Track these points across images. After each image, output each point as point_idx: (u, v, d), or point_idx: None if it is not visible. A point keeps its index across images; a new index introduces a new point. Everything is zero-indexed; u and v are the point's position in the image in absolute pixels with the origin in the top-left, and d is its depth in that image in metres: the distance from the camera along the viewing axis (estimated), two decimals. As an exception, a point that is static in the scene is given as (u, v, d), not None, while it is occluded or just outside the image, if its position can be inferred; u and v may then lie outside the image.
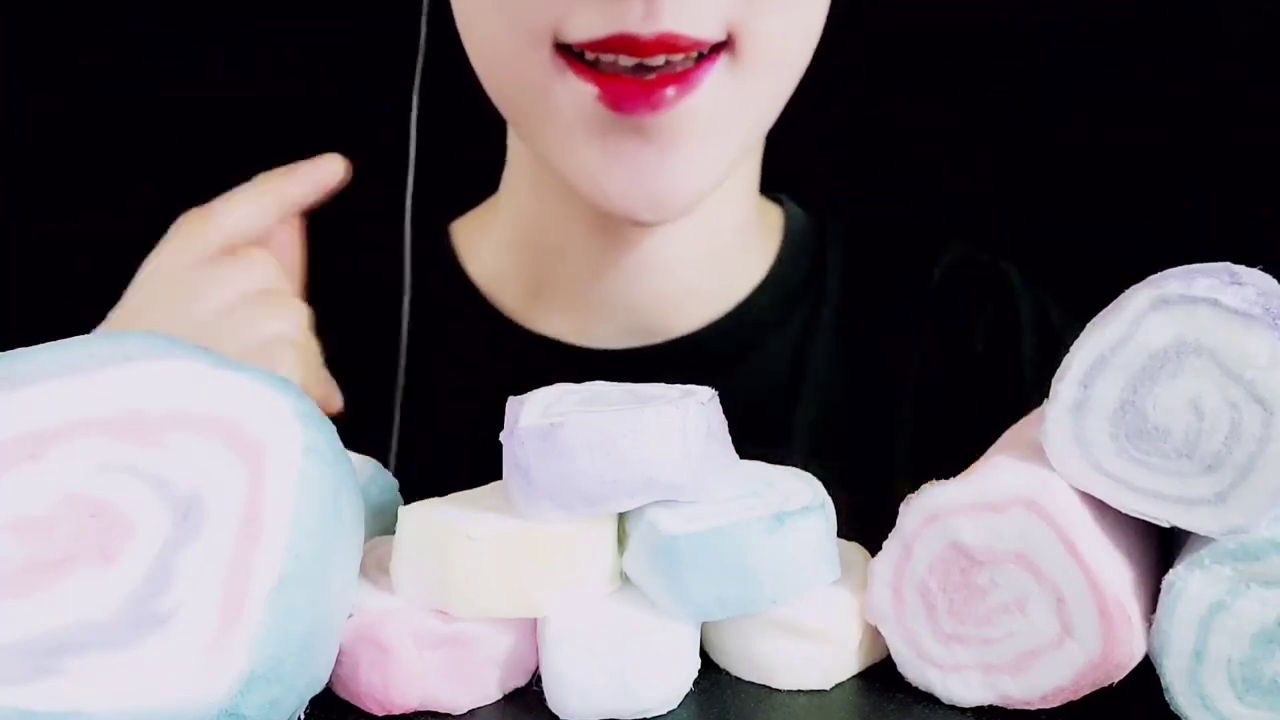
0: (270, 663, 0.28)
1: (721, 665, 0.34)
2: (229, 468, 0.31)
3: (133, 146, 0.75)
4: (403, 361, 0.58)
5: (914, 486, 0.32)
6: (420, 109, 0.58)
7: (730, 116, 0.49)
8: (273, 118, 0.74)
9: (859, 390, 0.60)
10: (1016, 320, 0.61)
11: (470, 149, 0.62)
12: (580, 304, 0.59)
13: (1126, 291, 0.30)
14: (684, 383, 0.35)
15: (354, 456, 0.37)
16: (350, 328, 0.61)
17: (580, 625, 0.31)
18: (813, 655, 0.32)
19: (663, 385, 0.35)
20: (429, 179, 0.60)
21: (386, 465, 0.40)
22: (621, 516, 0.33)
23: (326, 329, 0.62)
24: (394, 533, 0.33)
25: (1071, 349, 0.30)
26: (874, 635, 0.33)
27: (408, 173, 0.59)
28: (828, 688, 0.33)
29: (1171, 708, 0.30)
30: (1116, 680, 0.30)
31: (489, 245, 0.62)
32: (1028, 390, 0.59)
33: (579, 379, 0.36)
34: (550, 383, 0.35)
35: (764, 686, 0.33)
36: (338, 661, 0.31)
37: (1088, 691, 0.30)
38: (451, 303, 0.61)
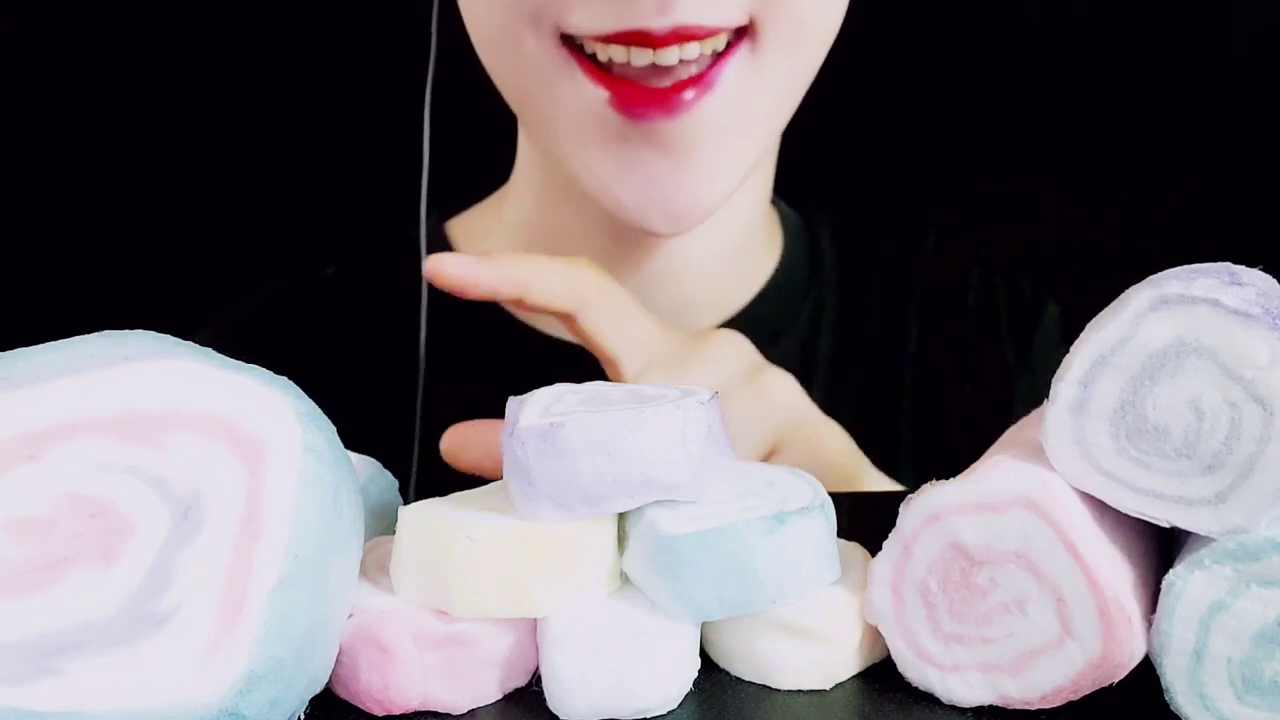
0: (270, 662, 0.28)
1: (721, 665, 0.34)
2: (229, 467, 0.31)
3: (135, 145, 0.75)
4: (422, 365, 0.58)
5: (917, 479, 0.32)
6: (420, 105, 0.58)
7: (749, 114, 0.47)
8: (277, 114, 0.74)
9: (862, 384, 0.60)
10: (994, 298, 0.61)
11: (463, 147, 0.61)
12: None
13: (1126, 291, 0.30)
14: None
15: (354, 456, 0.37)
16: (357, 326, 0.61)
17: (580, 625, 0.31)
18: (813, 655, 0.32)
19: (663, 385, 0.35)
20: (418, 176, 0.60)
21: (407, 469, 0.40)
22: (621, 516, 0.33)
23: (331, 327, 0.62)
24: (394, 532, 0.33)
25: (1072, 349, 0.30)
26: (874, 635, 0.33)
27: (421, 172, 0.58)
28: (828, 688, 0.33)
29: (1171, 708, 0.30)
30: (1116, 680, 0.30)
31: (494, 245, 0.61)
32: (1010, 368, 0.59)
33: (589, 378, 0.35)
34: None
35: (764, 686, 0.33)
36: (338, 661, 0.31)
37: (1088, 691, 0.30)
38: (457, 304, 0.60)
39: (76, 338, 0.33)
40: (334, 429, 0.33)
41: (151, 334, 0.33)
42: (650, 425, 0.31)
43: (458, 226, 0.63)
